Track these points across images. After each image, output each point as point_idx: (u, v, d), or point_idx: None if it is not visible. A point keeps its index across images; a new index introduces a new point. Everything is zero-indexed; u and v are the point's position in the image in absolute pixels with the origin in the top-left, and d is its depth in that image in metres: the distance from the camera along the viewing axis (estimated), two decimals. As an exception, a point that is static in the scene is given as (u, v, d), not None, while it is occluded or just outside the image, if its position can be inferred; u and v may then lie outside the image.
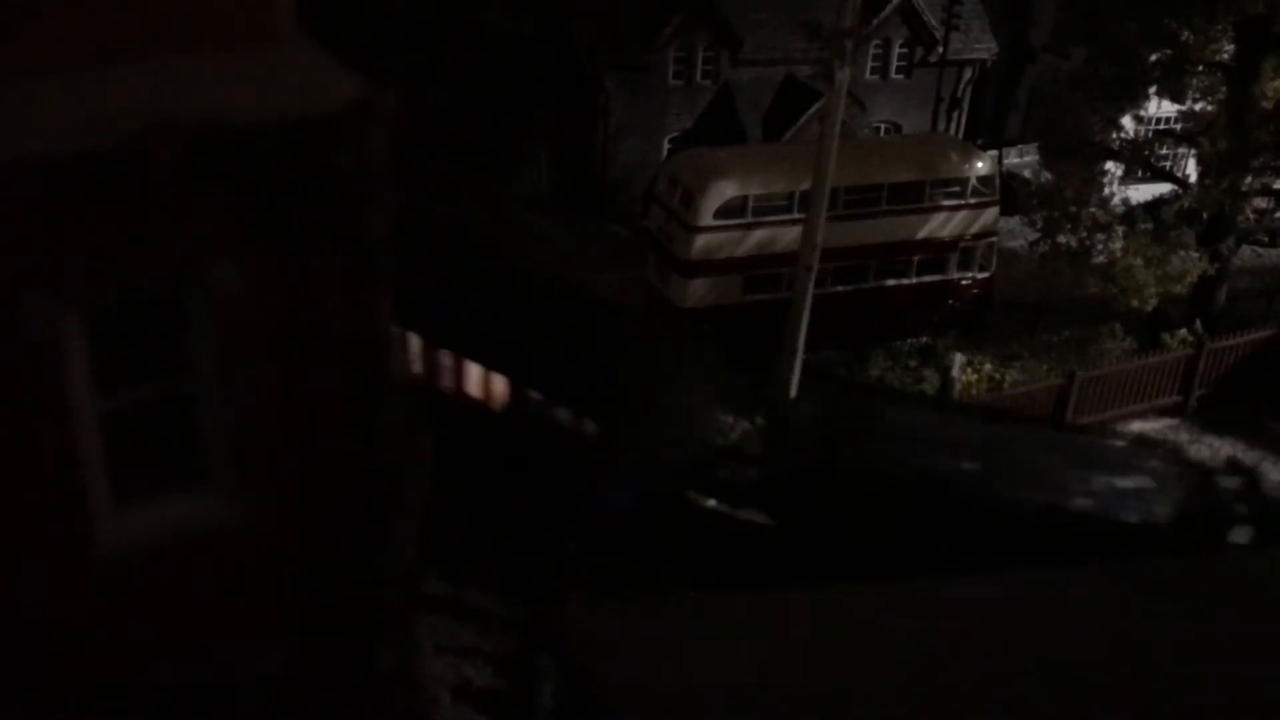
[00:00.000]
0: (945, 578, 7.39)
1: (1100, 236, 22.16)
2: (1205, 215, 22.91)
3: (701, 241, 22.68)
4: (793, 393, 19.38)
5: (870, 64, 30.85)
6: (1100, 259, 22.01)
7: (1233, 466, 18.58)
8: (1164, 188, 24.79)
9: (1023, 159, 30.92)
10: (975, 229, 24.40)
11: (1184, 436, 21.78)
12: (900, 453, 17.17)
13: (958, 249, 24.42)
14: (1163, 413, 22.28)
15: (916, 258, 24.21)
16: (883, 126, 31.62)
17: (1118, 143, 23.33)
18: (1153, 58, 21.71)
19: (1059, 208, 22.45)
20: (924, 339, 23.95)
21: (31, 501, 7.56)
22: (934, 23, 30.81)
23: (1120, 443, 20.36)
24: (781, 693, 5.64)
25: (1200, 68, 21.77)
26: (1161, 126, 23.82)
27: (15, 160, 6.62)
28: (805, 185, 19.77)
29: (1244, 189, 21.86)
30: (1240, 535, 15.91)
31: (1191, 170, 24.64)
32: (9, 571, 7.65)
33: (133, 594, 8.12)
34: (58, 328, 7.24)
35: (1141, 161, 23.61)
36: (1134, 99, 22.88)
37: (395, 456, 9.05)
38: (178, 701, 8.61)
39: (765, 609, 6.62)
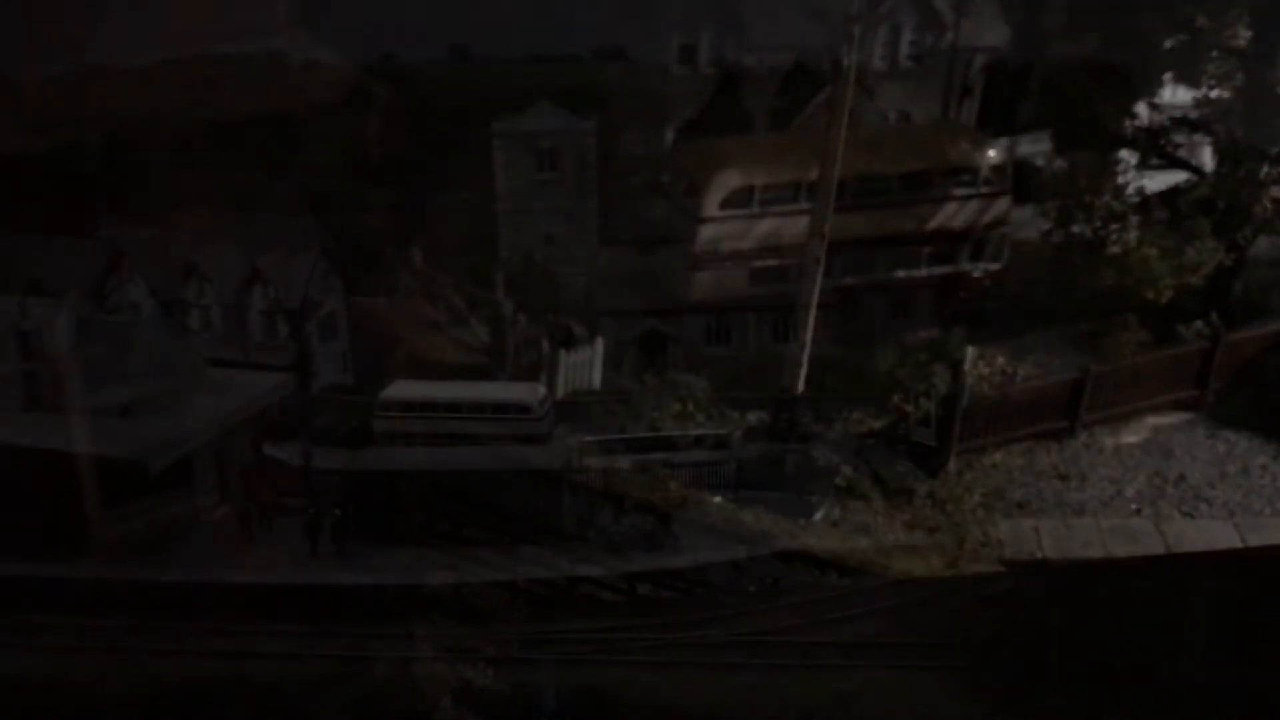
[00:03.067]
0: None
1: (1115, 226, 21.84)
2: (1221, 205, 22.52)
3: (707, 233, 22.39)
4: (801, 385, 19.10)
5: (879, 51, 30.40)
6: (1115, 249, 21.70)
7: None
8: (1179, 176, 24.38)
9: (1035, 147, 30.43)
10: (987, 219, 24.09)
11: (1200, 431, 21.43)
12: None
13: (969, 239, 24.08)
14: (1178, 406, 21.96)
15: (927, 249, 23.87)
16: (892, 115, 31.19)
17: (1132, 130, 22.97)
18: (1168, 44, 21.36)
19: (1072, 197, 22.15)
20: (935, 331, 23.58)
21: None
22: (944, 9, 30.38)
23: None
24: (777, 695, 5.66)
25: (1216, 53, 21.38)
26: (1177, 114, 23.36)
27: (12, 154, 6.50)
28: (812, 175, 19.48)
29: (1261, 178, 21.52)
30: None
31: (1207, 159, 24.25)
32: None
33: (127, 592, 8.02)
34: (51, 324, 7.14)
35: (1156, 149, 23.24)
36: (1148, 86, 22.51)
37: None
38: (170, 706, 8.50)
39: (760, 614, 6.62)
